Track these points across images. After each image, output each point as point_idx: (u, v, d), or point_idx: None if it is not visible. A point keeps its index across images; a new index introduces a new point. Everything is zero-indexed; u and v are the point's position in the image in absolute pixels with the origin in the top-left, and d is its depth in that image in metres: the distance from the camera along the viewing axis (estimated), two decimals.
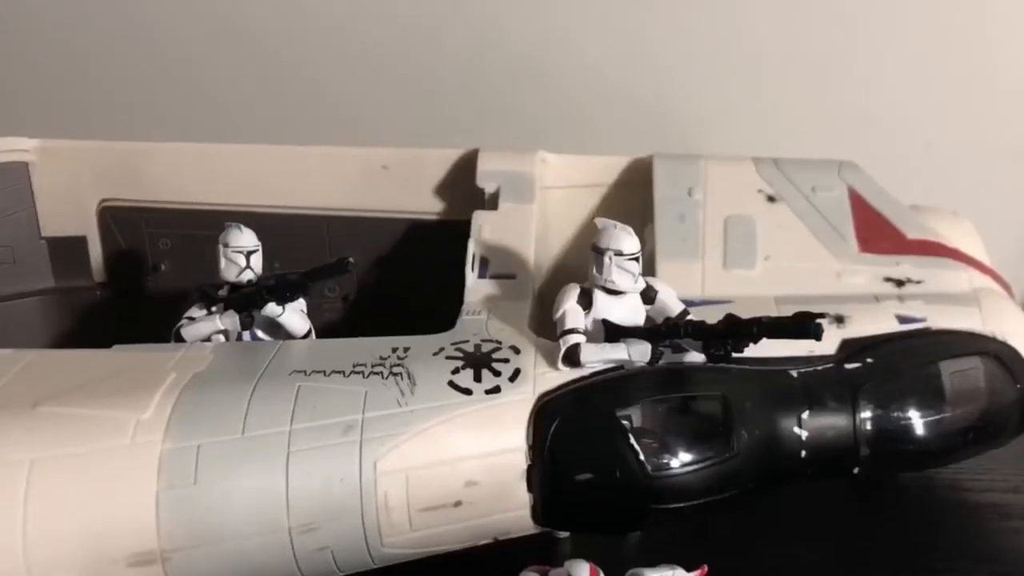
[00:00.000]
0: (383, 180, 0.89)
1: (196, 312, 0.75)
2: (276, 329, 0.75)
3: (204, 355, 0.68)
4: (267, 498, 0.60)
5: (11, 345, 0.70)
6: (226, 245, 0.75)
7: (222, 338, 0.74)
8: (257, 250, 0.76)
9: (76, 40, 1.16)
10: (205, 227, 0.90)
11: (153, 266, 0.92)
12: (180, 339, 0.73)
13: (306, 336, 0.76)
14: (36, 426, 0.60)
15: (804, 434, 0.67)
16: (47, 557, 0.58)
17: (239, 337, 0.74)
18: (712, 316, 0.71)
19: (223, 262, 0.75)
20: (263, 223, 0.88)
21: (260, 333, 0.75)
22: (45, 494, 0.58)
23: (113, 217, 0.91)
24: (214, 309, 0.75)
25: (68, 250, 0.92)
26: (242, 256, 0.75)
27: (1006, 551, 0.73)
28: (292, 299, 0.74)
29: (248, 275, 0.75)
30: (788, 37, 1.09)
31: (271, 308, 0.74)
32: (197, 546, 0.59)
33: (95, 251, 0.92)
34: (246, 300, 0.74)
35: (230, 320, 0.74)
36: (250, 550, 0.60)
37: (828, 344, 0.70)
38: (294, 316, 0.75)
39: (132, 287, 0.93)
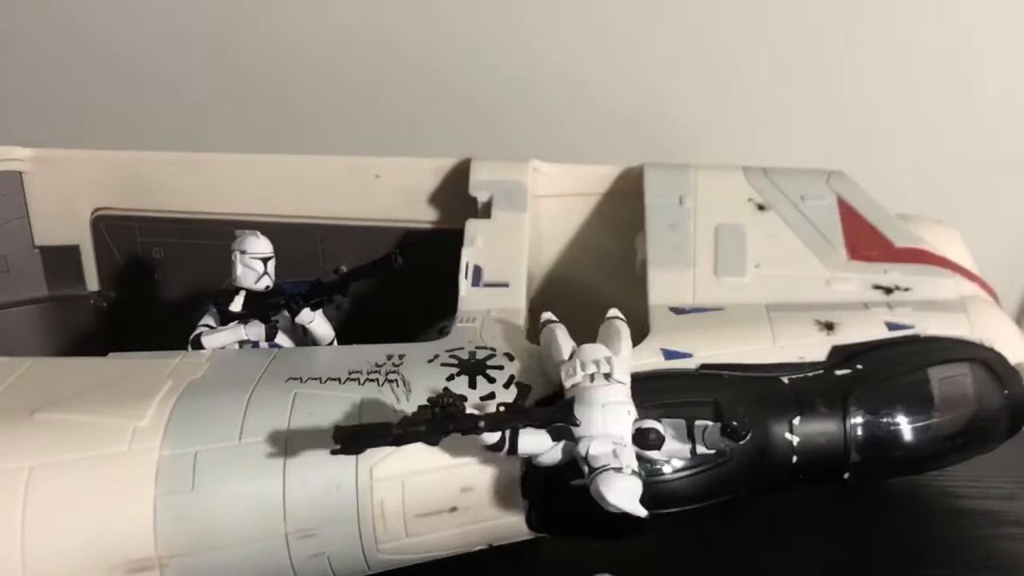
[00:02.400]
0: (376, 189, 0.89)
1: (210, 320, 0.75)
2: (301, 337, 0.76)
3: (200, 363, 0.68)
4: (264, 504, 0.60)
5: (4, 354, 0.70)
6: (243, 252, 0.74)
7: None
8: (272, 257, 0.75)
9: (70, 50, 1.16)
10: (198, 236, 0.91)
11: (146, 275, 0.92)
12: (199, 347, 0.73)
13: (330, 343, 0.76)
14: (34, 433, 0.61)
15: (795, 440, 0.67)
16: (45, 564, 0.58)
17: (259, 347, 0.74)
18: (704, 324, 0.72)
19: (239, 269, 0.74)
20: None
21: (284, 341, 0.75)
22: (43, 501, 0.59)
23: (106, 226, 0.92)
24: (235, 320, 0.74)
25: (62, 259, 0.92)
26: (260, 263, 0.74)
27: (999, 558, 0.74)
28: (329, 302, 0.75)
29: (265, 281, 0.74)
30: (778, 49, 1.09)
31: (305, 315, 0.74)
32: (194, 552, 0.60)
33: (88, 260, 0.92)
34: (273, 309, 0.74)
35: (256, 330, 0.73)
36: (247, 556, 0.61)
37: (818, 351, 0.71)
38: (322, 322, 0.75)
39: (125, 296, 0.93)
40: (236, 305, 0.74)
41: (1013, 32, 1.07)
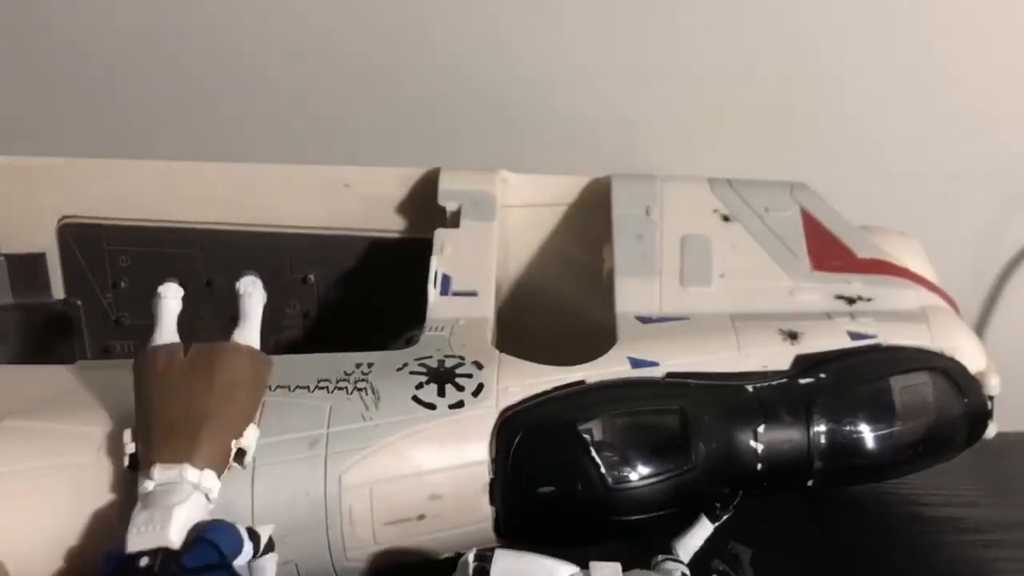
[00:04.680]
0: (345, 198, 0.89)
1: None
2: None
3: None
4: (232, 511, 0.60)
5: None
6: None
7: None
8: None
9: (33, 57, 1.15)
10: (165, 245, 0.90)
11: (112, 283, 0.92)
12: None
13: None
14: (1, 440, 0.60)
15: (760, 447, 0.68)
16: (11, 572, 0.58)
17: None
18: (670, 332, 0.73)
19: None
20: (224, 241, 0.89)
21: None
22: (10, 509, 0.58)
23: (73, 234, 0.91)
24: None
25: (27, 267, 0.91)
26: None
27: (961, 564, 0.75)
28: None
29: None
30: (744, 62, 1.10)
31: None
32: None
33: (54, 268, 0.92)
34: None
35: None
36: None
37: (782, 360, 0.72)
38: None
39: (91, 304, 0.93)
40: None
41: (974, 46, 1.08)
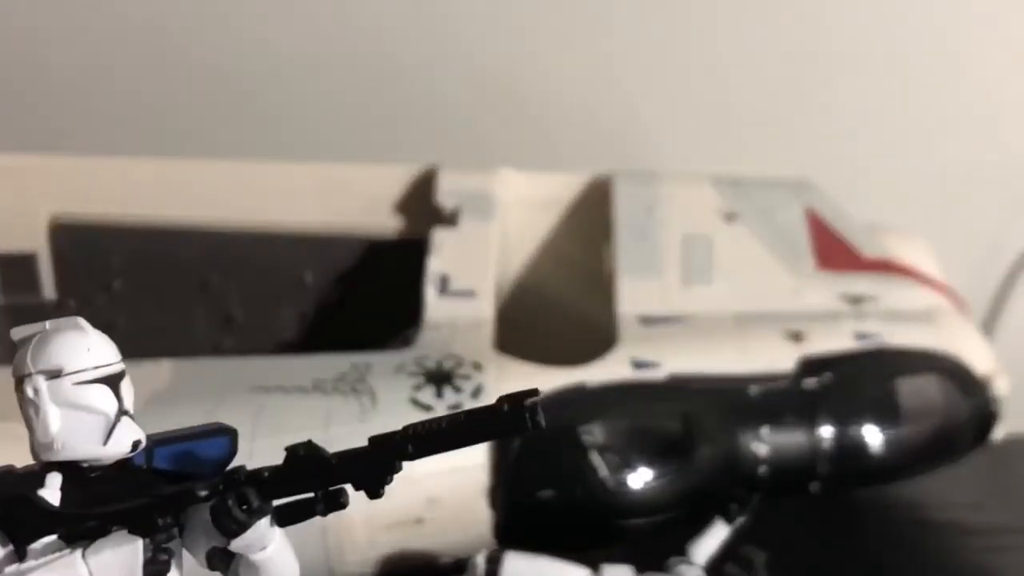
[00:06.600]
0: (342, 197, 0.88)
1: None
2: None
3: (163, 372, 0.67)
4: None
5: None
6: (57, 374, 0.38)
7: None
8: (123, 371, 0.39)
9: (23, 53, 1.14)
10: (158, 244, 0.89)
11: (106, 284, 0.91)
12: None
13: None
14: None
15: (763, 450, 0.68)
16: None
17: None
18: (672, 333, 0.72)
19: (53, 417, 0.38)
20: (216, 241, 0.88)
21: None
22: None
23: (64, 233, 0.90)
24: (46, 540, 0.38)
25: (18, 267, 0.90)
26: (107, 394, 0.38)
27: (964, 569, 0.74)
28: (332, 505, 0.39)
29: (131, 435, 0.39)
30: (750, 58, 1.10)
31: (260, 532, 0.37)
32: None
33: (45, 268, 0.91)
34: (169, 507, 0.38)
35: (115, 557, 0.37)
36: None
37: (786, 361, 0.71)
38: (284, 547, 0.39)
39: (84, 305, 0.92)
40: (52, 494, 0.37)
41: (984, 45, 1.08)
